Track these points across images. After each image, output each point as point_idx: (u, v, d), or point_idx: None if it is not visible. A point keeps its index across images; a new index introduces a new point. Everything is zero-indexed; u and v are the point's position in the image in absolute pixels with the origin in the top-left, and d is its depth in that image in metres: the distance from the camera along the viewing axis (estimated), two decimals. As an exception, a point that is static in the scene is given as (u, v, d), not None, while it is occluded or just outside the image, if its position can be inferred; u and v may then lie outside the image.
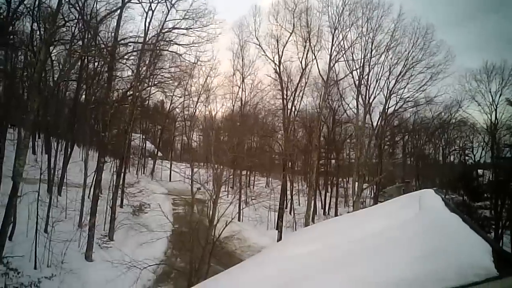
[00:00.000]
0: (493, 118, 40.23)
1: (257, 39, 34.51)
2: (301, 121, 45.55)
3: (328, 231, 8.97)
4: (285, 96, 34.79)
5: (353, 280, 3.60)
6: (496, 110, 39.93)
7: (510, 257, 3.09)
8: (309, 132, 43.17)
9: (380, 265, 3.69)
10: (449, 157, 57.04)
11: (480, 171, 46.25)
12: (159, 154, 52.93)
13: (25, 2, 23.09)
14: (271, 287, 5.13)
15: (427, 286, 2.84)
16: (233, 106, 39.03)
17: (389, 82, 32.51)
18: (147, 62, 28.35)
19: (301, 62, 33.32)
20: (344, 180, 51.07)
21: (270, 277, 5.89)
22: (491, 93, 39.99)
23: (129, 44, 26.38)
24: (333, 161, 50.13)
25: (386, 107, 33.29)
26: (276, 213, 34.85)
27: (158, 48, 27.52)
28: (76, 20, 25.68)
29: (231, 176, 36.09)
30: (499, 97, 39.65)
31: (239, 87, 37.61)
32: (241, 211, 34.04)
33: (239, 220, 34.02)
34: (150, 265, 17.09)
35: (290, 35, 33.12)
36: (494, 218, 34.68)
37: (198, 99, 32.11)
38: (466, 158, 48.94)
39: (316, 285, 4.09)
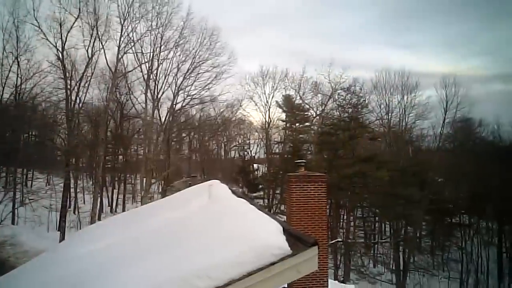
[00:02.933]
0: (267, 117, 45.42)
1: (36, 20, 30.21)
2: (87, 114, 42.34)
3: (117, 227, 8.36)
4: (68, 86, 31.56)
5: (149, 272, 3.27)
6: (269, 110, 45.20)
7: (299, 235, 3.27)
8: (95, 126, 40.47)
9: (176, 255, 3.45)
10: (230, 152, 62.07)
11: (256, 165, 51.67)
12: None
13: None
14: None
15: (228, 272, 2.73)
16: (8, 94, 33.38)
17: (177, 79, 32.98)
18: None
19: (87, 51, 30.77)
20: (132, 176, 49.92)
21: (48, 283, 5.02)
22: (265, 95, 45.02)
23: None
24: (120, 156, 48.35)
25: (174, 103, 33.74)
26: (58, 213, 31.60)
27: None
28: None
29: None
30: (272, 98, 45.03)
31: (15, 73, 32.37)
32: (16, 211, 29.76)
33: (13, 223, 29.67)
34: None
35: (76, 20, 30.08)
36: (268, 207, 39.23)
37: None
38: (245, 153, 53.94)
39: (106, 284, 3.59)
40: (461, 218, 39.25)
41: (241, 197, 5.80)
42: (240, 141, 58.39)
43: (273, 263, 2.77)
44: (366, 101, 35.60)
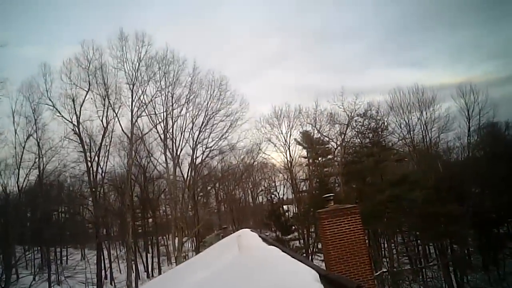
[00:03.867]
0: (288, 157, 44.93)
1: (50, 99, 31.42)
2: (111, 182, 42.89)
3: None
4: (89, 158, 32.22)
5: None
6: (289, 149, 44.75)
7: (338, 280, 2.90)
8: (121, 193, 40.88)
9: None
10: (257, 198, 61.43)
11: (285, 207, 50.64)
12: None
13: None
14: None
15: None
16: (31, 175, 34.19)
17: (194, 133, 33.27)
18: None
19: (102, 121, 31.67)
20: (165, 237, 49.68)
21: None
22: (283, 134, 44.71)
23: None
24: (150, 219, 48.39)
25: (194, 158, 33.86)
26: (95, 287, 31.30)
27: None
28: None
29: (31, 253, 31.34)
30: (290, 137, 44.67)
31: (36, 154, 33.31)
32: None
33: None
34: None
35: (87, 93, 31.25)
36: (304, 247, 37.99)
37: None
38: (272, 196, 53.16)
39: None
40: (509, 227, 37.13)
41: (272, 244, 5.45)
42: (266, 185, 57.92)
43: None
44: (385, 123, 35.04)
